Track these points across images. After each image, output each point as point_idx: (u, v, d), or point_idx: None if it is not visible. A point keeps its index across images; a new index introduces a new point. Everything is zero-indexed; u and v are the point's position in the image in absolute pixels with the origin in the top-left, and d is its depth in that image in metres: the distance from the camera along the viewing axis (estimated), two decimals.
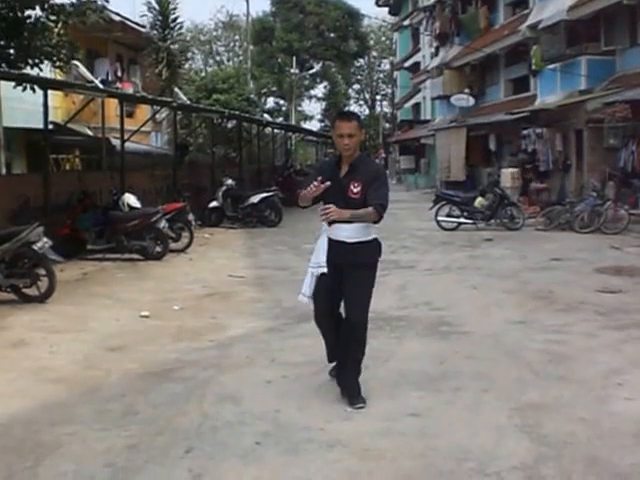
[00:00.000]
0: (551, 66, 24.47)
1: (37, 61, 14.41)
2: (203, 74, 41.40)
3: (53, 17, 14.27)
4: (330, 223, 5.59)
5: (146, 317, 9.00)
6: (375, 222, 5.61)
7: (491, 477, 4.39)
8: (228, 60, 71.48)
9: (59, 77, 17.51)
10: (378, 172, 5.78)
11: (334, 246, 5.65)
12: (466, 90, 33.72)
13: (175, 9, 28.82)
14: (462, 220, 19.44)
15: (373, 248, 5.76)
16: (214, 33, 75.32)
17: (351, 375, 5.71)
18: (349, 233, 5.60)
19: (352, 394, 5.64)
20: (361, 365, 5.76)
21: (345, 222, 5.53)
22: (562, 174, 23.85)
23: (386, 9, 58.54)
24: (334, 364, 6.06)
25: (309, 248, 15.19)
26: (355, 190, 5.54)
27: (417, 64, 49.02)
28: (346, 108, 74.89)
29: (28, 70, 14.20)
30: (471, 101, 33.42)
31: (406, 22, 51.64)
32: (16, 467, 4.61)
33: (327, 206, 5.35)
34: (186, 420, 5.35)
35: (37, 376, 6.57)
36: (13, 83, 13.95)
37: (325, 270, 5.66)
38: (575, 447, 4.83)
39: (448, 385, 6.13)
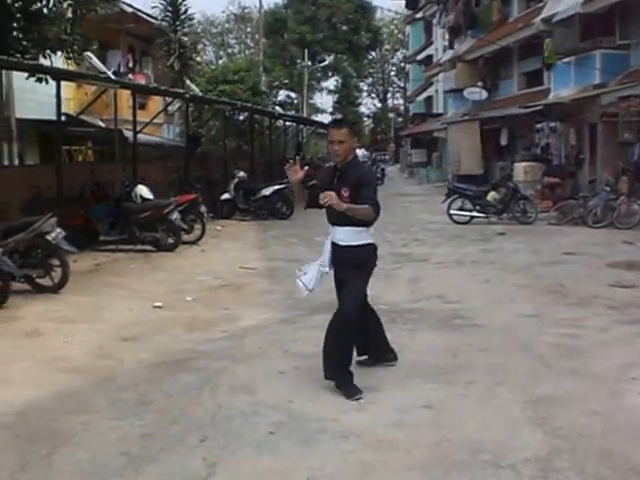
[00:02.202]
0: (565, 60, 24.32)
1: (50, 52, 14.41)
2: (214, 66, 41.31)
3: (70, 8, 14.25)
4: (332, 225, 5.87)
5: (159, 308, 9.04)
6: (370, 222, 5.73)
7: (505, 469, 4.40)
8: (239, 52, 71.51)
9: (72, 68, 17.52)
10: (364, 176, 5.85)
11: (333, 247, 5.89)
12: (479, 83, 33.56)
13: (185, 0, 28.79)
14: (474, 214, 19.38)
15: (363, 251, 5.85)
16: (226, 25, 75.41)
17: (336, 369, 5.74)
18: (341, 236, 5.81)
19: (349, 389, 5.64)
20: (347, 361, 5.77)
21: (339, 225, 5.77)
22: (575, 168, 23.74)
23: (399, 2, 58.41)
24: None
25: (320, 241, 15.15)
26: (345, 195, 5.65)
27: (430, 57, 48.91)
28: (358, 101, 74.94)
29: (41, 61, 14.21)
30: (484, 94, 33.26)
31: (419, 15, 51.52)
32: (31, 455, 4.64)
33: (327, 193, 5.51)
34: (200, 410, 5.37)
35: (51, 365, 6.61)
36: (26, 74, 13.97)
37: (327, 269, 5.94)
38: (589, 440, 4.82)
39: (461, 377, 6.13)
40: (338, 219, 5.70)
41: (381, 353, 6.35)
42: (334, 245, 5.85)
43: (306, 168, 5.95)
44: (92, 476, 4.37)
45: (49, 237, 9.89)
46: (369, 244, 5.85)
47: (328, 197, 5.47)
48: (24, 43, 14.11)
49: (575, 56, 23.73)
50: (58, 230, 10.03)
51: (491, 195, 19.55)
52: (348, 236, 5.75)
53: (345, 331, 5.73)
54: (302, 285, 6.01)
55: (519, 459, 4.52)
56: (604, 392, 5.78)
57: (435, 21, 44.53)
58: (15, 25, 14.03)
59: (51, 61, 14.56)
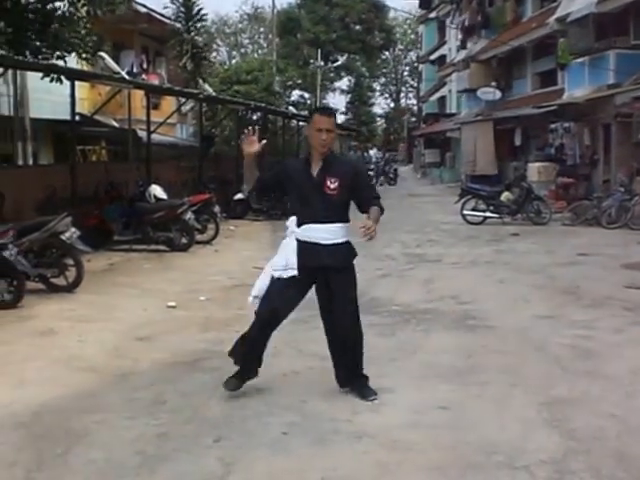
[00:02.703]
0: (579, 60, 24.22)
1: (64, 53, 14.49)
2: (227, 66, 41.38)
3: (83, 8, 14.33)
4: (300, 224, 5.41)
5: (173, 307, 9.06)
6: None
7: (520, 471, 4.38)
8: (252, 52, 71.55)
9: (86, 68, 17.60)
10: (357, 167, 5.65)
11: (307, 248, 5.39)
12: (493, 83, 33.44)
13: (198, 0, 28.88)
14: (488, 214, 19.35)
15: (349, 250, 5.52)
16: (239, 25, 75.46)
17: (359, 375, 5.69)
18: (325, 234, 5.38)
19: (364, 390, 5.63)
20: (361, 367, 5.74)
21: (326, 222, 5.37)
22: (590, 169, 23.64)
23: (412, 1, 58.31)
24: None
25: None
26: (332, 186, 5.36)
27: (443, 57, 48.84)
28: (371, 101, 74.84)
29: (55, 61, 14.28)
30: (498, 94, 33.15)
31: (432, 15, 51.47)
32: (47, 454, 4.66)
33: (364, 223, 5.16)
34: (214, 410, 5.37)
35: (66, 365, 6.64)
36: (40, 75, 14.04)
37: (295, 273, 5.40)
38: (604, 442, 4.80)
39: (476, 379, 6.12)
40: (325, 216, 5.34)
41: None
42: (312, 245, 5.37)
43: (264, 142, 5.59)
44: (108, 475, 4.38)
45: (64, 237, 9.93)
46: (349, 241, 5.50)
47: (370, 229, 5.12)
48: (37, 43, 14.17)
49: (589, 56, 23.62)
50: (73, 230, 10.07)
51: (505, 195, 19.52)
52: (334, 234, 5.37)
53: (360, 346, 5.66)
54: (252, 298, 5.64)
55: (534, 460, 4.50)
56: (619, 394, 5.74)
57: (448, 21, 44.46)
58: (29, 25, 14.09)
59: (65, 61, 14.62)
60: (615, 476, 4.34)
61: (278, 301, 5.53)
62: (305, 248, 5.40)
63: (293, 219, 5.47)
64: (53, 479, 4.37)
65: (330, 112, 5.72)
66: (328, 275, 5.47)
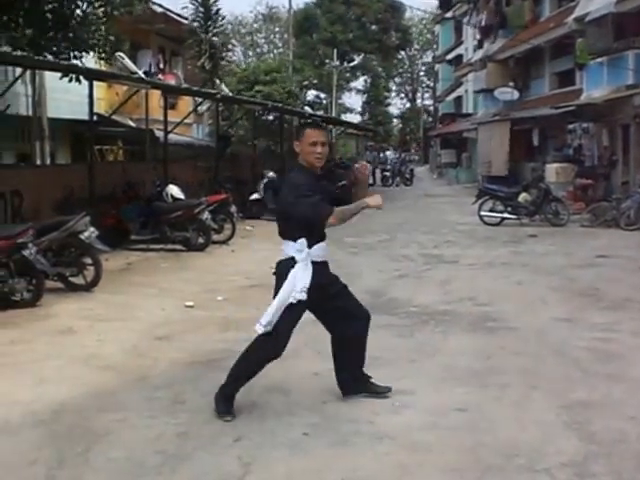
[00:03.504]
0: (598, 60, 24.08)
1: (83, 53, 14.56)
2: (244, 66, 41.41)
3: (101, 9, 14.40)
4: (311, 244, 5.19)
5: (191, 307, 9.09)
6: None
7: (540, 474, 4.36)
8: (268, 52, 71.63)
9: (104, 68, 17.69)
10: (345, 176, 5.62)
11: (321, 268, 5.30)
12: (510, 83, 33.32)
13: (217, 1, 28.90)
14: (505, 215, 19.28)
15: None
16: (254, 25, 75.57)
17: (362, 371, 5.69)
18: (327, 252, 5.39)
19: (378, 387, 5.66)
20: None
21: (323, 241, 5.31)
22: (608, 170, 23.50)
23: (430, 1, 58.23)
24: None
25: (351, 241, 15.33)
26: None
27: (459, 57, 48.73)
28: (387, 101, 74.77)
29: (72, 61, 14.34)
30: (515, 94, 33.01)
31: (448, 14, 51.37)
32: (67, 453, 4.68)
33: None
34: (234, 409, 5.36)
35: (85, 363, 6.68)
36: (58, 74, 14.11)
37: (305, 296, 5.17)
38: (625, 445, 4.78)
39: (495, 381, 6.10)
40: (325, 234, 5.35)
41: None
42: (322, 264, 5.32)
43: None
44: (128, 474, 4.40)
45: (82, 236, 9.98)
46: None
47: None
48: (56, 43, 14.23)
49: (608, 56, 23.47)
50: (91, 229, 10.12)
51: (523, 196, 19.43)
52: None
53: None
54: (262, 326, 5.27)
55: (554, 463, 4.48)
56: None
57: (466, 20, 44.33)
58: (49, 25, 14.16)
59: (82, 62, 14.68)
60: (636, 479, 4.32)
61: (290, 330, 5.37)
62: (320, 268, 5.27)
63: (302, 241, 5.19)
64: (74, 477, 4.39)
65: (322, 127, 5.60)
66: (335, 286, 5.44)
